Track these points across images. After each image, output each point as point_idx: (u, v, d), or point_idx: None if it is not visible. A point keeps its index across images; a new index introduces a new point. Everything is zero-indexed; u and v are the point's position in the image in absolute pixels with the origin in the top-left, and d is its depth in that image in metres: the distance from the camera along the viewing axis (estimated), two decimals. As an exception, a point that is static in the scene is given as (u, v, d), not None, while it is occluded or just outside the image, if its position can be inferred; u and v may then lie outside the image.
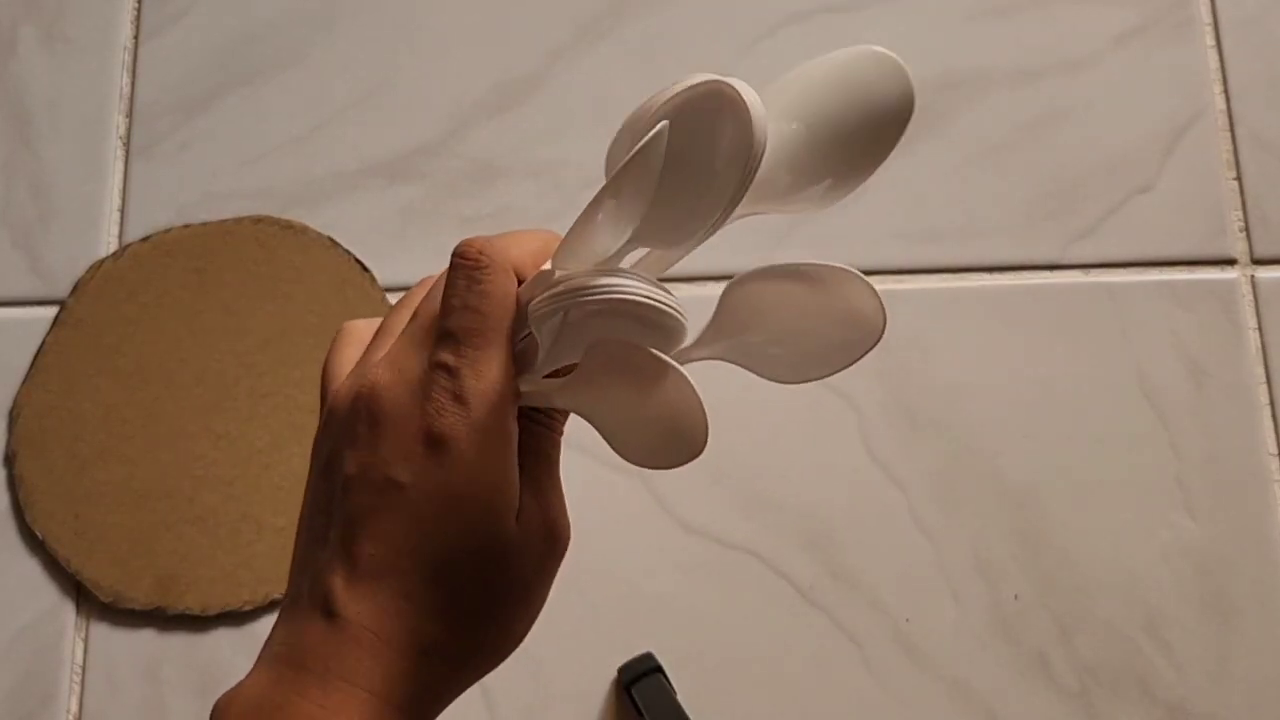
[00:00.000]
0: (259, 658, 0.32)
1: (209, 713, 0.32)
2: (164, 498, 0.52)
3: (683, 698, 0.48)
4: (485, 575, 0.31)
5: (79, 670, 0.51)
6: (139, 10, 0.59)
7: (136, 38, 0.59)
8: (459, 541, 0.31)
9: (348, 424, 0.32)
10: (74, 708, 0.50)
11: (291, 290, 0.54)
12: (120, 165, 0.57)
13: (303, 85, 0.58)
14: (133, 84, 0.58)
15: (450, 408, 0.31)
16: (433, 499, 0.31)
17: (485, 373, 0.31)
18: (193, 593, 0.51)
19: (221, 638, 0.51)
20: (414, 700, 0.31)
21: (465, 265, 0.32)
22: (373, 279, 0.55)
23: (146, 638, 0.51)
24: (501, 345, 0.32)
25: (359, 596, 0.31)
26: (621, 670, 0.48)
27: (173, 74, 0.58)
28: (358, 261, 0.55)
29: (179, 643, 0.51)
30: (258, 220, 0.56)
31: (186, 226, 0.56)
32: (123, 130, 0.58)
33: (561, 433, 0.34)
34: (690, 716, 0.47)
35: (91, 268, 0.55)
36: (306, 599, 0.31)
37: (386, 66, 0.58)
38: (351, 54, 0.58)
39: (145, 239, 0.56)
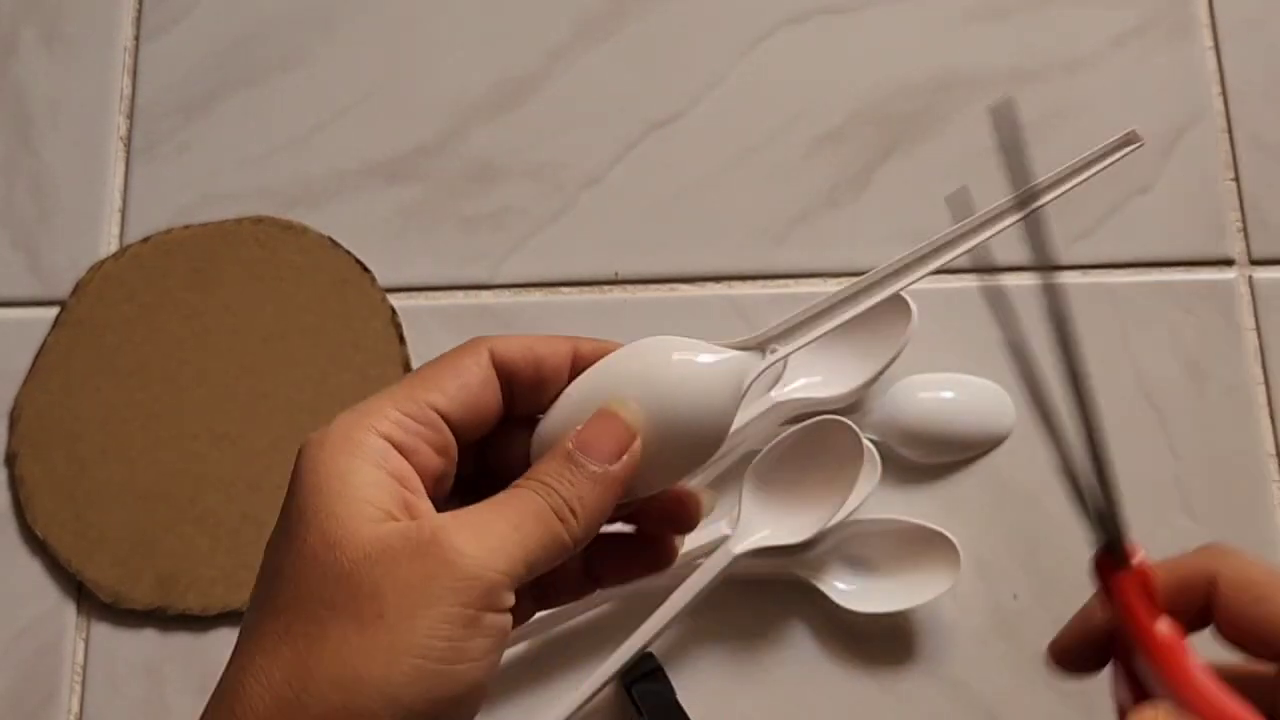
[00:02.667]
0: None
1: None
2: (165, 498, 0.52)
3: (683, 697, 0.48)
4: (327, 583, 0.28)
5: (80, 670, 0.51)
6: (139, 11, 0.60)
7: (137, 38, 0.59)
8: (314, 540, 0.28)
9: None
10: (75, 707, 0.51)
11: (292, 290, 0.55)
12: (121, 166, 0.57)
13: (303, 86, 0.58)
14: (133, 85, 0.58)
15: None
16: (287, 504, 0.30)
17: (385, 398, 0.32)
18: (193, 593, 0.51)
19: (222, 638, 0.51)
20: None
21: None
22: (373, 279, 0.55)
23: (147, 638, 0.51)
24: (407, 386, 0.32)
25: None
26: (622, 670, 0.48)
27: (173, 75, 0.58)
28: (358, 262, 0.55)
29: (180, 643, 0.51)
30: (258, 220, 0.56)
31: (187, 227, 0.56)
32: (123, 131, 0.58)
33: None
34: (690, 716, 0.47)
35: (92, 268, 0.55)
36: None
37: (387, 67, 0.58)
38: (352, 55, 0.58)
39: (145, 239, 0.56)
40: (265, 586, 0.29)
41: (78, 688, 0.51)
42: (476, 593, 0.27)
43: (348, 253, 0.55)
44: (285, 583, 0.28)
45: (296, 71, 0.58)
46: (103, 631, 0.51)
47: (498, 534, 0.28)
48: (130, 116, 0.58)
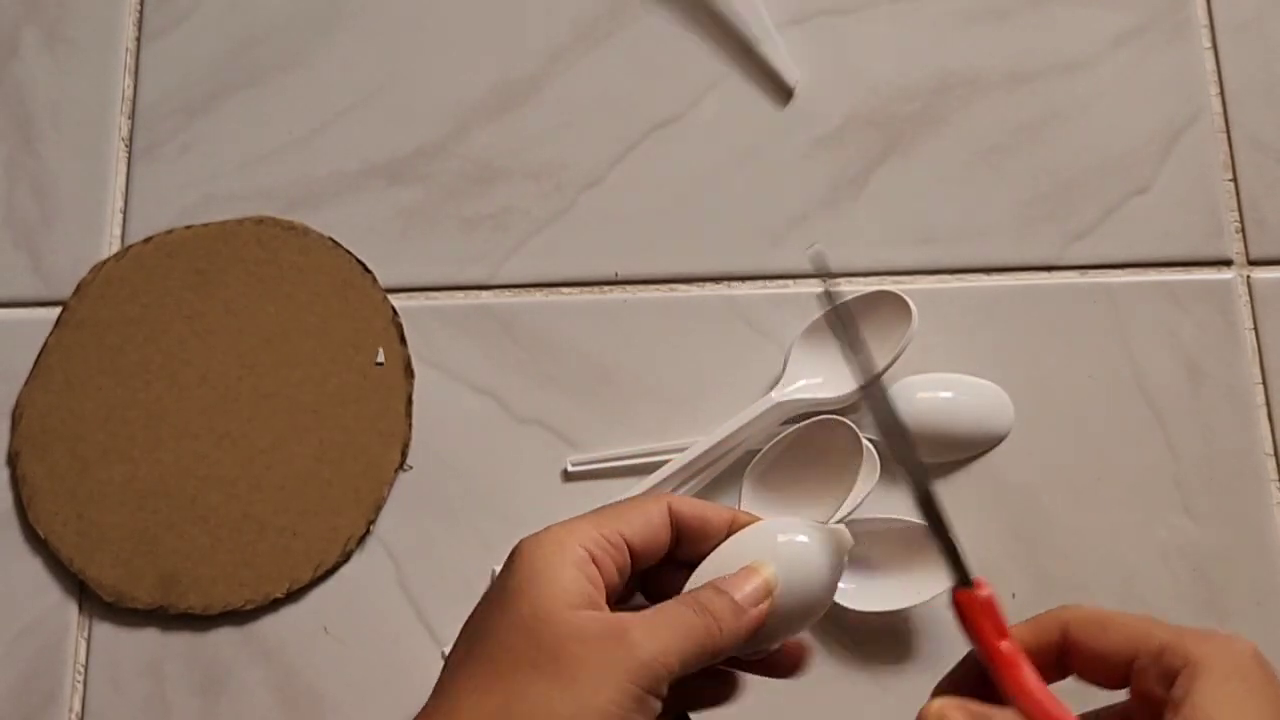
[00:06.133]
0: None
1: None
2: (166, 497, 0.52)
3: (683, 696, 0.48)
4: (523, 638, 0.35)
5: (81, 669, 0.51)
6: (141, 12, 0.60)
7: (139, 39, 0.59)
8: (521, 610, 0.35)
9: None
10: (76, 706, 0.51)
11: (293, 291, 0.55)
12: (122, 166, 0.57)
13: (304, 87, 0.58)
14: (135, 86, 0.59)
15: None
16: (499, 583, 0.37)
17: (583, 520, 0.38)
18: (195, 592, 0.51)
19: (223, 637, 0.51)
20: None
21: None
22: (374, 279, 0.55)
23: (149, 637, 0.51)
24: (608, 514, 0.38)
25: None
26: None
27: (174, 76, 0.59)
28: (359, 262, 0.55)
29: (181, 642, 0.51)
30: (259, 221, 0.56)
31: (189, 228, 0.56)
32: (125, 132, 0.58)
33: None
34: (691, 717, 0.47)
35: (94, 269, 0.55)
36: None
37: (387, 68, 0.58)
38: (352, 56, 0.59)
39: (147, 240, 0.56)
40: (476, 641, 0.35)
41: (79, 686, 0.51)
42: (649, 678, 0.34)
43: (349, 253, 0.55)
44: (497, 643, 0.35)
45: (297, 72, 0.58)
46: (104, 630, 0.51)
47: (667, 636, 0.35)
48: (132, 117, 0.58)
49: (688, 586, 0.38)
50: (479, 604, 0.37)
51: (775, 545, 0.38)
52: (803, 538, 0.38)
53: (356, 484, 0.52)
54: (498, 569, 0.51)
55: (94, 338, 0.54)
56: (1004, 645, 0.35)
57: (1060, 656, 0.36)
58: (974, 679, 0.37)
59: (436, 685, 0.36)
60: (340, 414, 0.53)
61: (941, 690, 0.38)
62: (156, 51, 0.59)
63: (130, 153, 0.58)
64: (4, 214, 0.57)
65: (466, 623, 0.37)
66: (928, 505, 0.36)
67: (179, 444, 0.53)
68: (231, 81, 0.58)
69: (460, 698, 0.34)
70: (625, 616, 0.35)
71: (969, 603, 0.36)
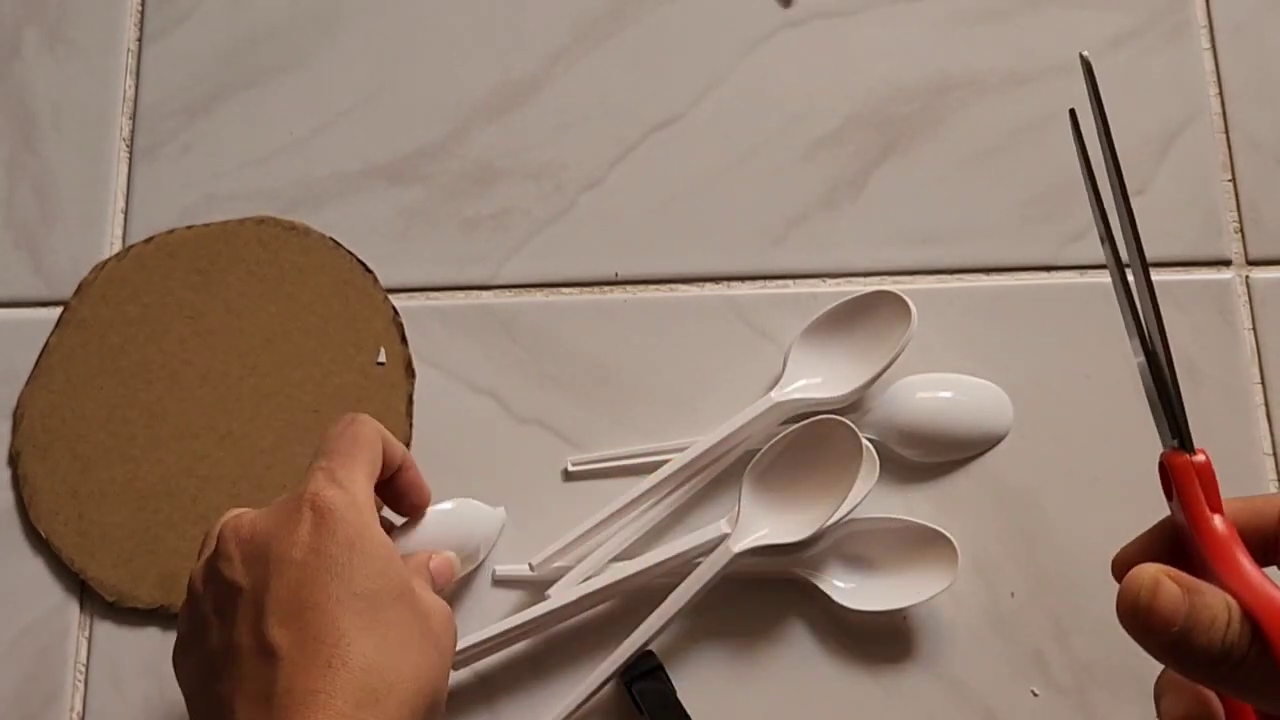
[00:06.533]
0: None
1: None
2: (168, 497, 0.52)
3: (683, 696, 0.48)
4: (396, 612, 0.40)
5: (83, 669, 0.51)
6: (142, 13, 0.60)
7: (140, 40, 0.59)
8: (365, 587, 0.39)
9: (288, 524, 0.41)
10: (78, 706, 0.51)
11: (294, 291, 0.55)
12: (124, 167, 0.58)
13: (305, 88, 0.58)
14: (136, 86, 0.59)
15: (329, 488, 0.41)
16: (334, 552, 0.39)
17: (354, 469, 0.42)
18: None
19: None
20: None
21: (341, 423, 0.44)
22: (375, 279, 0.55)
23: (150, 636, 0.51)
24: (366, 458, 0.43)
25: (297, 632, 0.38)
26: (623, 667, 0.48)
27: (176, 76, 0.59)
28: (360, 262, 0.55)
29: None
30: (260, 221, 0.56)
31: (189, 228, 0.56)
32: (126, 132, 0.58)
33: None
34: (690, 714, 0.47)
35: (95, 269, 0.56)
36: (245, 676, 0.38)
37: (388, 69, 0.58)
38: (353, 57, 0.59)
39: (148, 240, 0.56)
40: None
41: (80, 686, 0.51)
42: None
43: (349, 253, 0.55)
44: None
45: (298, 73, 0.59)
46: (105, 630, 0.51)
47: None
48: (133, 118, 0.58)
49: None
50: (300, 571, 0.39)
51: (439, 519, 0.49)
52: (447, 505, 0.50)
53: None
54: (499, 570, 0.51)
55: (95, 338, 0.54)
56: (1217, 520, 0.32)
57: (1274, 543, 0.33)
58: (1167, 549, 0.34)
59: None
60: (341, 413, 0.53)
61: (1129, 556, 0.35)
62: (158, 52, 0.59)
63: (131, 153, 0.58)
64: (5, 214, 0.57)
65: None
66: (1152, 357, 0.34)
67: (180, 444, 0.53)
68: (232, 82, 0.58)
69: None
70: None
71: (1184, 469, 0.33)
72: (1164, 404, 0.34)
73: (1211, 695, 0.34)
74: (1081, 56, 0.36)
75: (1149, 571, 0.31)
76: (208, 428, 0.53)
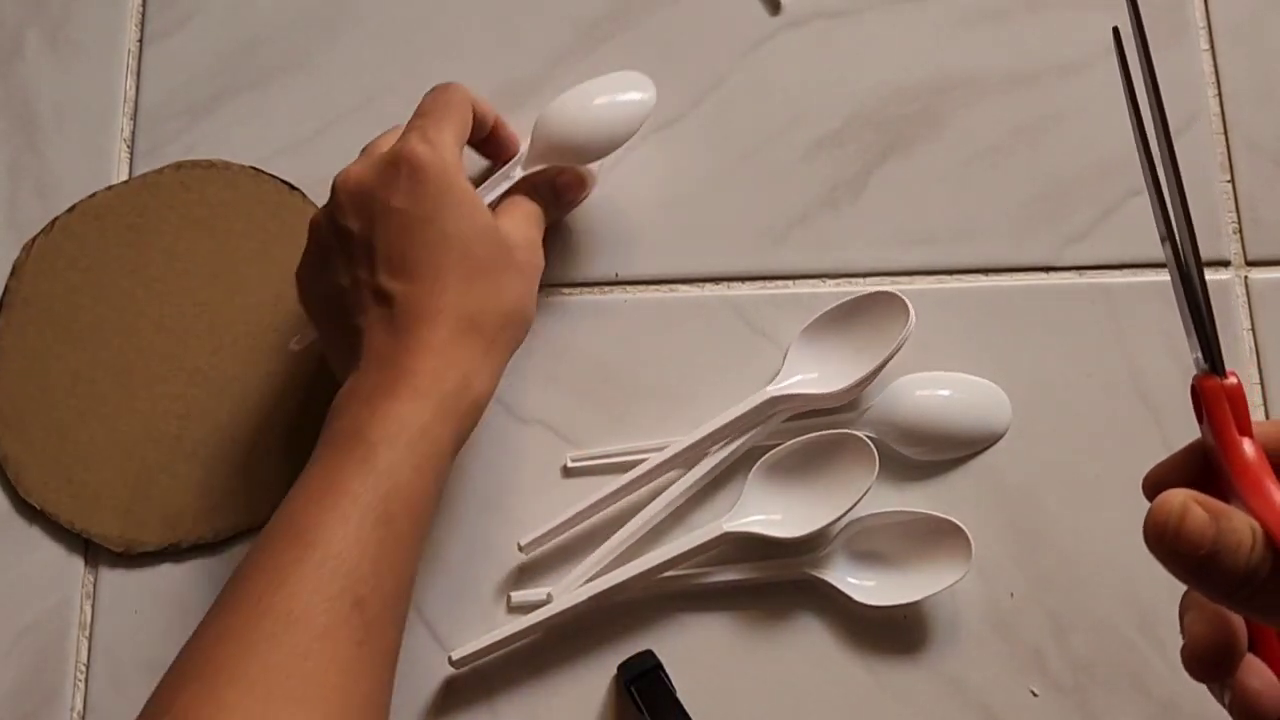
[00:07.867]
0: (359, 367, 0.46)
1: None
2: (152, 443, 0.53)
3: (683, 696, 0.48)
4: (484, 249, 0.47)
5: (84, 669, 0.51)
6: (143, 14, 0.60)
7: (141, 41, 0.60)
8: (456, 229, 0.46)
9: (386, 177, 0.47)
10: (79, 706, 0.51)
11: (227, 224, 0.56)
12: (125, 168, 0.58)
13: (306, 89, 0.58)
14: (137, 87, 0.59)
15: (420, 145, 0.47)
16: (426, 200, 0.46)
17: (443, 128, 0.48)
18: (202, 524, 0.52)
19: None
20: (463, 376, 0.45)
21: (435, 89, 0.50)
22: (304, 196, 0.56)
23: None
24: (456, 119, 0.49)
25: (407, 282, 0.45)
26: (621, 668, 0.49)
27: (177, 78, 0.59)
28: (285, 183, 0.56)
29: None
30: (178, 166, 0.57)
31: (109, 188, 0.57)
32: (127, 133, 0.58)
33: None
34: (690, 715, 0.47)
35: (24, 247, 0.56)
36: (366, 316, 0.46)
37: (390, 70, 0.58)
38: (355, 58, 0.59)
39: (70, 209, 0.56)
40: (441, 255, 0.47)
41: (81, 687, 0.51)
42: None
43: (272, 176, 0.56)
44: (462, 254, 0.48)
45: (300, 74, 0.59)
46: (107, 626, 0.51)
47: (525, 226, 0.52)
48: (134, 119, 0.58)
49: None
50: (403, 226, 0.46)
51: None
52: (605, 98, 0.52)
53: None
54: (514, 596, 0.51)
55: (42, 312, 0.55)
56: (1246, 445, 0.32)
57: None
58: (1194, 472, 0.34)
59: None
60: (300, 324, 0.53)
61: (1160, 476, 0.35)
62: (159, 53, 0.59)
63: (133, 154, 0.58)
64: (7, 215, 0.57)
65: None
66: (1187, 280, 0.34)
67: (151, 390, 0.54)
68: (234, 83, 0.59)
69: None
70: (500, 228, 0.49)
71: (1214, 392, 0.33)
72: (1196, 325, 0.34)
73: (1233, 614, 0.34)
74: (1114, 30, 0.38)
75: (1178, 497, 0.31)
76: (175, 369, 0.54)
